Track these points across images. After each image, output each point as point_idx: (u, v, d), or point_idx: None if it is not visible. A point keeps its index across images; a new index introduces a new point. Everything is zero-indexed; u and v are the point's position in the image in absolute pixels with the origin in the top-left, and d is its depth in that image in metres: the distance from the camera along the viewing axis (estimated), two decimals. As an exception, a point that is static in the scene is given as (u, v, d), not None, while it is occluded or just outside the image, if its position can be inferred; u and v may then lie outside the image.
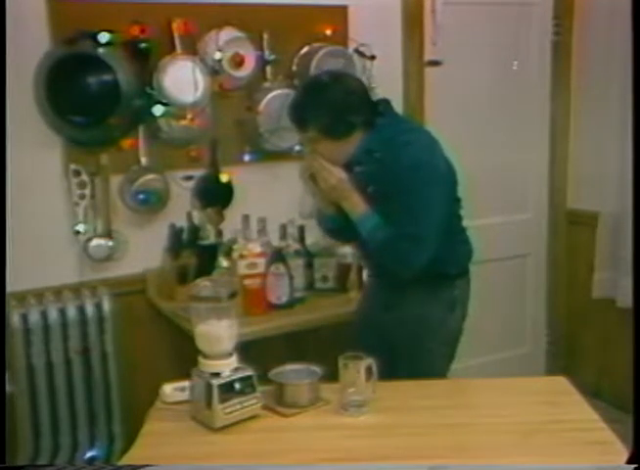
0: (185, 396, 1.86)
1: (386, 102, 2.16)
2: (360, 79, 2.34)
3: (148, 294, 2.79)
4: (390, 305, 2.19)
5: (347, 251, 2.78)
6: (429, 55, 3.24)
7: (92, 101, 2.55)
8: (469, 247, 2.25)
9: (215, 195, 2.83)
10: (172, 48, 2.64)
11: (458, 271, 2.23)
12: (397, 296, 2.17)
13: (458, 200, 2.20)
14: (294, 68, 2.91)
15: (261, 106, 2.79)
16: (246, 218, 2.74)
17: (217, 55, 2.68)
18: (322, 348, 2.18)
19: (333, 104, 2.03)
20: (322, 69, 2.76)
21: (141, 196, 2.70)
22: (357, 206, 2.09)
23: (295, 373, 1.90)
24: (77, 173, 2.61)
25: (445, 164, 2.10)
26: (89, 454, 2.67)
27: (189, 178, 2.82)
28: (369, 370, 1.79)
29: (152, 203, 2.73)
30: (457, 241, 2.21)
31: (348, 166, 2.11)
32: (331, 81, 2.09)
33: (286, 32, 2.84)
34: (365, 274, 2.55)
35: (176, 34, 2.64)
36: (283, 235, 2.76)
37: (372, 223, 2.07)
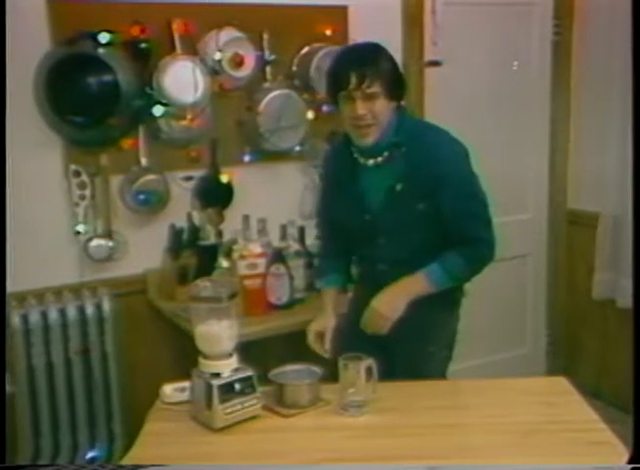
0: (185, 396, 1.86)
1: None
2: None
3: (148, 294, 2.79)
4: None
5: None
6: (429, 55, 3.23)
7: (92, 101, 2.55)
8: None
9: (215, 195, 2.83)
10: (172, 48, 2.64)
11: None
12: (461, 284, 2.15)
13: None
14: (294, 68, 2.91)
15: (261, 106, 2.79)
16: (246, 219, 2.74)
17: (217, 55, 2.68)
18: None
19: (392, 62, 2.03)
20: (322, 69, 2.75)
21: (141, 196, 2.70)
22: (417, 288, 2.04)
23: (295, 373, 1.90)
24: (77, 174, 2.61)
25: (469, 160, 2.09)
26: (89, 455, 2.67)
27: (189, 179, 2.82)
28: (369, 371, 1.79)
29: (152, 203, 2.73)
30: None
31: (372, 151, 2.06)
32: (379, 46, 2.07)
33: (286, 33, 2.84)
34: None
35: (176, 34, 2.64)
36: (283, 235, 2.76)
37: (440, 274, 2.03)
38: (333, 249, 2.33)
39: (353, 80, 1.95)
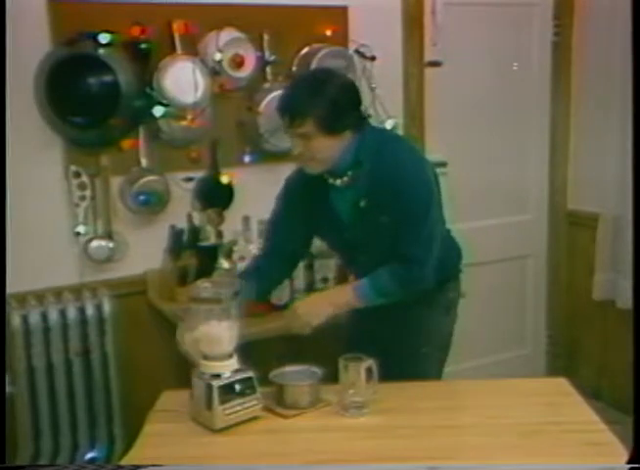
0: (212, 293, 1.82)
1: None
2: (351, 78, 2.27)
3: (148, 295, 2.79)
4: (385, 311, 2.09)
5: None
6: (429, 56, 3.23)
7: (92, 102, 2.55)
8: (457, 248, 2.24)
9: (216, 196, 2.83)
10: (173, 49, 2.64)
11: (451, 274, 2.22)
12: (392, 302, 2.10)
13: (441, 205, 2.14)
14: (294, 68, 2.90)
15: (262, 106, 2.79)
16: (246, 220, 2.74)
17: (217, 56, 2.68)
18: (322, 349, 2.18)
19: (331, 97, 1.94)
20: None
21: (141, 197, 2.70)
22: (343, 300, 2.03)
23: (295, 374, 1.90)
24: (78, 175, 2.61)
25: (432, 172, 2.06)
26: (89, 455, 2.67)
27: (189, 179, 2.81)
28: (369, 371, 1.80)
29: (152, 204, 2.73)
30: (447, 246, 2.15)
31: (336, 172, 2.05)
32: (327, 76, 2.04)
33: (286, 33, 2.84)
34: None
35: (177, 35, 2.64)
36: (283, 236, 2.76)
37: (367, 289, 2.01)
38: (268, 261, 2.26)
39: (286, 120, 1.97)
